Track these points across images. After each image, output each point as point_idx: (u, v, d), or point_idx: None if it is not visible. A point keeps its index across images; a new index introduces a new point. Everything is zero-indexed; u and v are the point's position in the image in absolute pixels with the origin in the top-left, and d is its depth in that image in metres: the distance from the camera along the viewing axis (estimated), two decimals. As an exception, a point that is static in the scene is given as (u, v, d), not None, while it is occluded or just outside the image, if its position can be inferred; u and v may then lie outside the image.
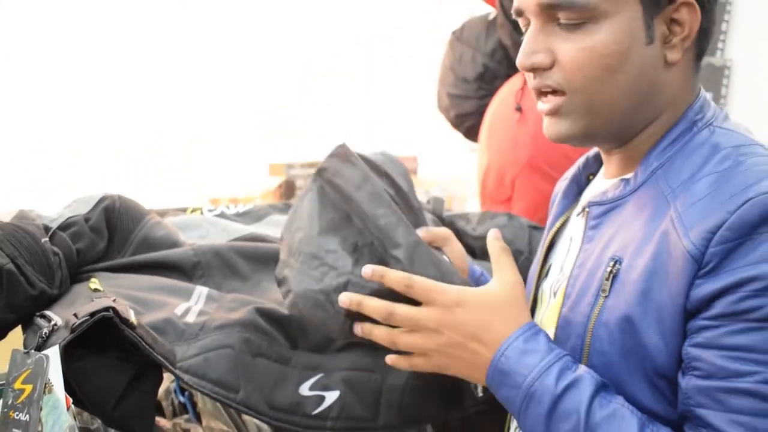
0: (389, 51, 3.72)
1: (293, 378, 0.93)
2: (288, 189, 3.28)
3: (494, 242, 0.86)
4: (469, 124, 1.77)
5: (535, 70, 0.79)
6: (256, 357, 0.91)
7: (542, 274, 0.96)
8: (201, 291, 0.98)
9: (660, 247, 0.71)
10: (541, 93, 0.81)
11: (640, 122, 0.80)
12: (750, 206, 0.66)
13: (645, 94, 0.78)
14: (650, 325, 0.71)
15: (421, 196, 2.95)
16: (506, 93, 1.56)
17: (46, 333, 0.81)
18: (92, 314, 0.78)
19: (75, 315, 0.80)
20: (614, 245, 0.77)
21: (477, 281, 1.05)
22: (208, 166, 3.41)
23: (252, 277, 1.06)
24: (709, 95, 0.84)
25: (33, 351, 0.79)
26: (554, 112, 0.80)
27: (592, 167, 0.94)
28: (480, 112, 1.69)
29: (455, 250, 1.02)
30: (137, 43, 3.16)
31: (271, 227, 1.28)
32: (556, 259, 0.93)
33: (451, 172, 3.59)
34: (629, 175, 0.81)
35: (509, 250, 0.85)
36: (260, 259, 1.09)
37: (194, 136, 3.41)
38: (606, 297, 0.75)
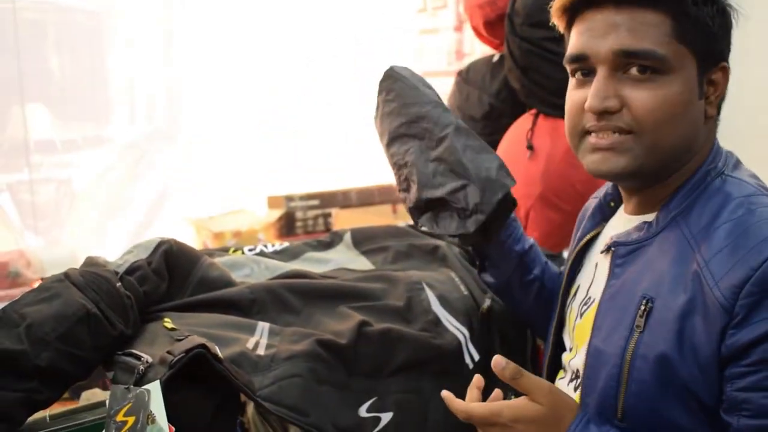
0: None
1: (352, 402, 1.03)
2: (288, 221, 3.34)
3: (504, 371, 0.83)
4: (477, 160, 1.88)
5: (606, 113, 0.87)
6: (321, 384, 1.00)
7: (569, 293, 1.06)
8: (263, 326, 1.07)
9: (694, 291, 0.81)
10: (597, 131, 0.89)
11: (678, 166, 0.90)
12: None
13: (691, 141, 0.89)
14: (687, 361, 0.80)
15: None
16: (516, 132, 1.67)
17: (142, 369, 0.90)
18: (187, 351, 0.88)
19: (169, 352, 0.89)
20: (644, 283, 0.87)
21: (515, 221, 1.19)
22: (207, 200, 3.43)
23: (303, 311, 1.16)
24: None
25: (132, 386, 0.88)
26: (612, 148, 0.88)
27: (612, 196, 1.05)
28: (488, 149, 1.80)
29: None
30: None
31: (309, 263, 1.38)
32: (583, 281, 1.04)
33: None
34: (651, 218, 0.91)
35: (518, 367, 0.83)
36: (308, 293, 1.18)
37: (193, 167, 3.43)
38: (641, 332, 0.84)
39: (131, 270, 1.11)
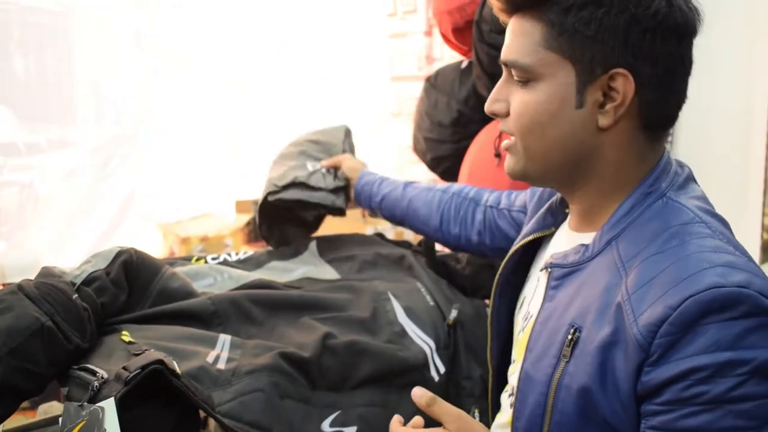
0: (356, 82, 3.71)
1: (315, 416, 1.01)
2: (256, 226, 3.30)
3: (421, 399, 0.86)
4: (445, 166, 1.87)
5: (495, 115, 0.92)
6: (283, 398, 0.98)
7: (516, 303, 1.05)
8: (224, 339, 1.05)
9: (616, 324, 0.78)
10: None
11: (577, 176, 0.89)
12: (689, 304, 0.72)
13: (576, 152, 0.86)
14: (609, 395, 0.78)
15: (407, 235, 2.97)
16: (484, 140, 1.66)
17: (97, 386, 0.87)
18: (143, 367, 0.85)
19: (125, 368, 0.86)
20: (573, 310, 0.84)
21: (367, 184, 1.46)
22: (174, 204, 3.38)
23: (266, 323, 1.13)
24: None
25: (86, 403, 0.85)
26: (507, 149, 0.92)
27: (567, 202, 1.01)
28: (456, 155, 1.79)
29: (349, 166, 1.49)
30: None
31: (273, 272, 1.36)
32: (527, 293, 1.02)
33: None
34: (588, 242, 0.89)
35: (432, 396, 0.86)
36: (271, 305, 1.16)
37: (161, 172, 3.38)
38: (567, 362, 0.82)
39: (89, 281, 1.08)
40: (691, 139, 1.91)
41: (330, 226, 3.03)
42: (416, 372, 1.10)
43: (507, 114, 0.90)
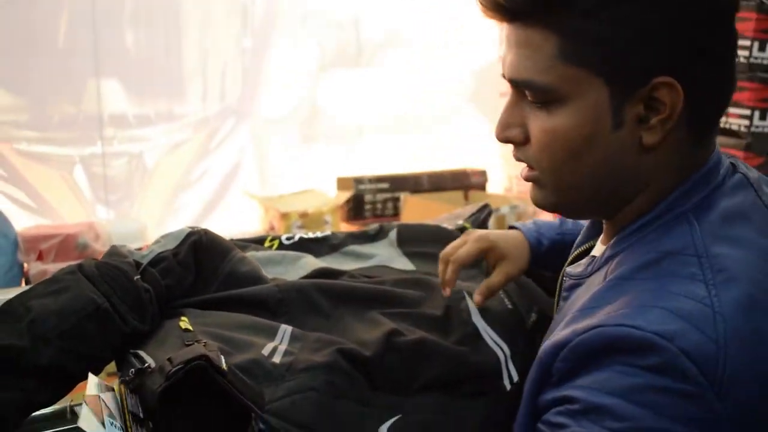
0: (459, 64, 3.65)
1: (372, 419, 0.94)
2: (357, 204, 3.28)
3: None
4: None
5: (510, 143, 0.77)
6: (338, 398, 0.92)
7: None
8: (285, 330, 1.00)
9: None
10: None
11: (621, 202, 0.76)
12: (594, 334, 0.64)
13: (618, 178, 0.74)
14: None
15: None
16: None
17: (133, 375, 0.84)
18: (186, 362, 0.81)
19: (169, 360, 0.82)
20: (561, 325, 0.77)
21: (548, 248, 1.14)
22: (277, 178, 3.41)
23: (333, 314, 1.08)
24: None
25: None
26: (531, 181, 0.79)
27: None
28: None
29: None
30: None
31: (350, 258, 1.30)
32: None
33: (521, 187, 3.52)
34: (597, 253, 0.80)
35: None
36: (340, 296, 1.10)
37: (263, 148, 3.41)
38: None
39: (155, 261, 1.05)
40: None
41: (431, 206, 2.95)
42: (488, 379, 1.01)
43: (524, 141, 0.76)
